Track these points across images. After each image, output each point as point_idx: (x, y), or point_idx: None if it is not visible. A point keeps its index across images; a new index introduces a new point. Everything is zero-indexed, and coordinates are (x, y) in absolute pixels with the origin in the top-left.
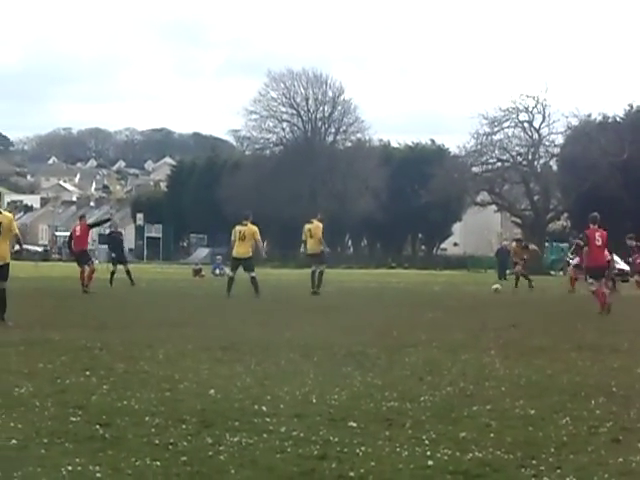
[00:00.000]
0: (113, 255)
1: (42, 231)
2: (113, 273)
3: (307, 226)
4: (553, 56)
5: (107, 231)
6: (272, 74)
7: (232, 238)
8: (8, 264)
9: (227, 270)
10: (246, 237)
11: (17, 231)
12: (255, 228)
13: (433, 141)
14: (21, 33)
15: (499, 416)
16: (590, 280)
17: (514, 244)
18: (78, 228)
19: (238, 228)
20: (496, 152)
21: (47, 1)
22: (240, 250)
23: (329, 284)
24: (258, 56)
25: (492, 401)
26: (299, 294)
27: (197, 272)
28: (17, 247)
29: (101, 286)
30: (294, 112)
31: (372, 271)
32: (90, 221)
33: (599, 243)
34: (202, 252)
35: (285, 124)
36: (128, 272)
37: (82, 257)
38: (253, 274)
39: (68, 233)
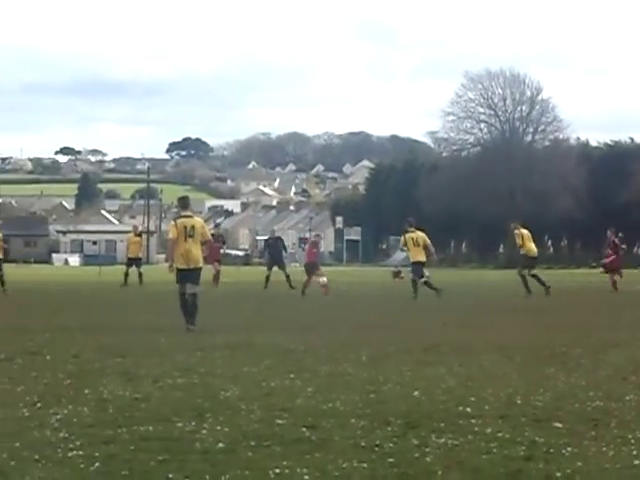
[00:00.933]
0: (271, 259)
1: (243, 235)
2: (268, 277)
3: (527, 231)
4: None
5: (267, 236)
6: (469, 75)
7: (401, 246)
8: (200, 268)
9: (426, 272)
10: (420, 243)
11: (209, 237)
12: (423, 233)
13: (632, 139)
14: (218, 40)
15: None
16: None
17: None
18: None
19: (410, 236)
20: None
21: (242, 8)
22: (421, 256)
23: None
24: (453, 57)
25: None
26: (499, 295)
27: (396, 274)
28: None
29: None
30: (492, 113)
31: (573, 271)
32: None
33: None
34: (401, 254)
35: (483, 125)
36: (287, 277)
37: (308, 267)
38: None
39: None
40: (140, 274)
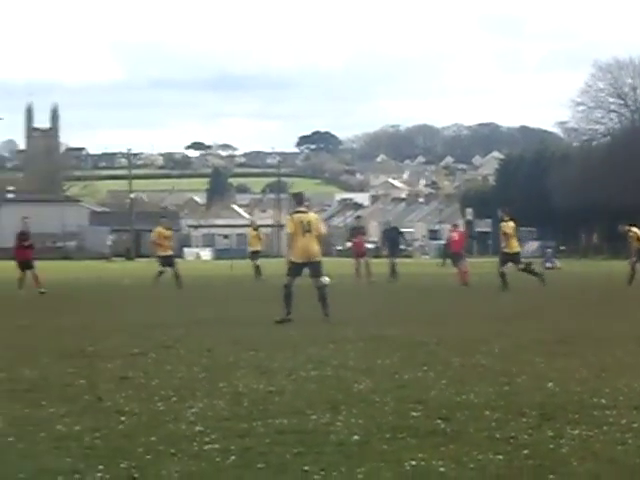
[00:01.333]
0: (390, 250)
1: (372, 228)
2: (393, 267)
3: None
4: None
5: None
6: (598, 64)
7: (509, 233)
8: (320, 261)
9: (558, 263)
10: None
11: (323, 231)
12: None
13: None
14: (346, 33)
15: None
16: None
17: None
18: (456, 234)
19: (512, 224)
20: None
21: (371, 1)
22: (519, 246)
23: None
24: (582, 46)
25: None
26: (632, 286)
27: (527, 265)
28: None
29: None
30: (621, 102)
31: None
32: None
33: None
34: (532, 245)
35: (613, 114)
36: (393, 266)
37: (454, 258)
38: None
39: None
40: (257, 267)
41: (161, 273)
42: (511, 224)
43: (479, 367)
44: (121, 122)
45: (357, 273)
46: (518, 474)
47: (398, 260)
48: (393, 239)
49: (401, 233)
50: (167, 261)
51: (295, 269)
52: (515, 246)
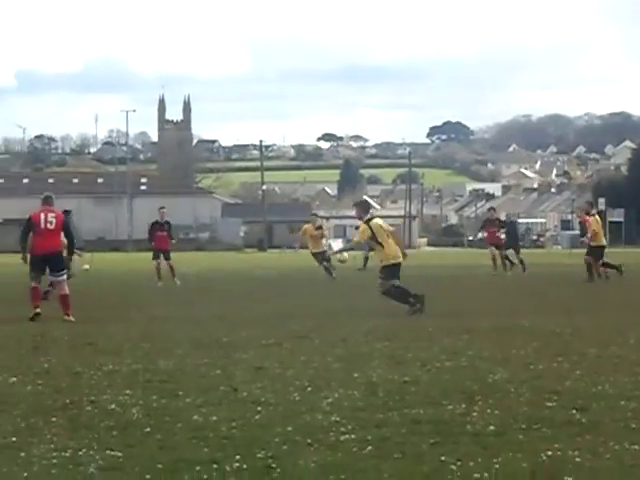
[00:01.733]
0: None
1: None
2: (511, 260)
3: None
4: None
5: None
6: None
7: (591, 229)
8: (400, 263)
9: None
10: None
11: None
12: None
13: None
14: (478, 23)
15: None
16: None
17: None
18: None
19: (598, 218)
20: None
21: None
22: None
23: None
24: None
25: None
26: None
27: None
28: None
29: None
30: None
31: None
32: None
33: None
34: None
35: None
36: (521, 261)
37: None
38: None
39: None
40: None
41: (325, 268)
42: (597, 218)
43: (614, 358)
44: (253, 114)
45: (494, 264)
46: None
47: (516, 252)
48: (511, 233)
49: (515, 226)
50: (320, 257)
51: (395, 271)
52: (603, 240)
